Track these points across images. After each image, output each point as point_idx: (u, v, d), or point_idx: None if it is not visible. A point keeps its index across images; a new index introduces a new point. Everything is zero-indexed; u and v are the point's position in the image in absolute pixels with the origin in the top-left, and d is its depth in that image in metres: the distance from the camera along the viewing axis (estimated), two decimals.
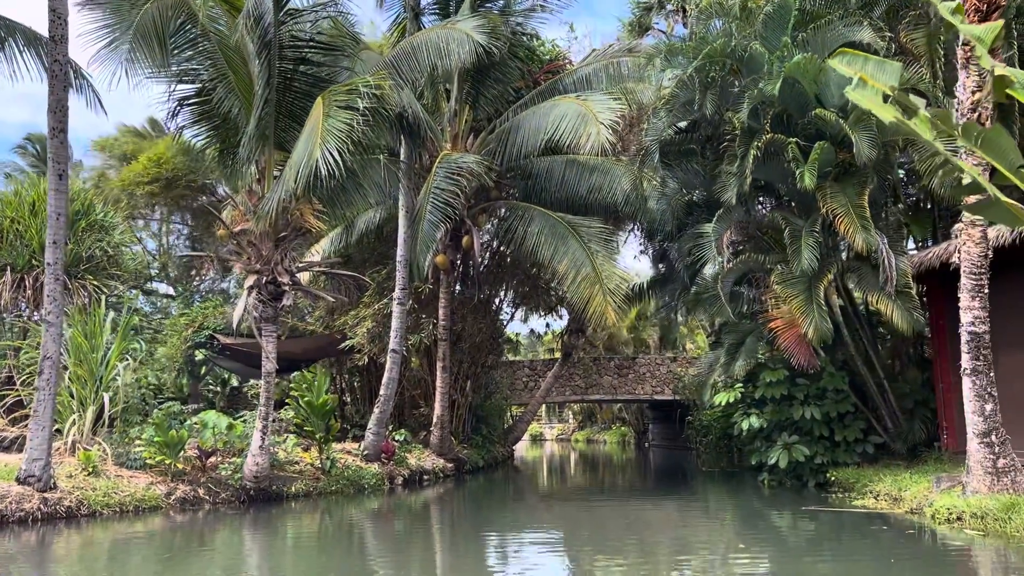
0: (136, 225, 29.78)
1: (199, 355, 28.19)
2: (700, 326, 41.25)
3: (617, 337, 38.75)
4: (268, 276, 14.67)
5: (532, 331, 39.20)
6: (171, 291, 33.31)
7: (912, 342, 17.47)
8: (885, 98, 3.39)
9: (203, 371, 31.60)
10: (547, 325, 30.46)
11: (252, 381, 27.59)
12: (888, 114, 3.21)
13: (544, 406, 43.05)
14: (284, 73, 14.55)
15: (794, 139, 13.63)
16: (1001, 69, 3.41)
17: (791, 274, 13.96)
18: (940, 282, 14.72)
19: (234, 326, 17.09)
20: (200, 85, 14.92)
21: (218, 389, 34.00)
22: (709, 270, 17.23)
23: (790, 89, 13.92)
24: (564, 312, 27.73)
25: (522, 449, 42.30)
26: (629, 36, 25.11)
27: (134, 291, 31.90)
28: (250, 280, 14.67)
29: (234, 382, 32.64)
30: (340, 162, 12.09)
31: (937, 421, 15.46)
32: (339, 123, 12.53)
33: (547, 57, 22.62)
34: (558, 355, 30.01)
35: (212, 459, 15.98)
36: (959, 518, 10.48)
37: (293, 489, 16.14)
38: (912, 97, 3.45)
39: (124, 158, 30.74)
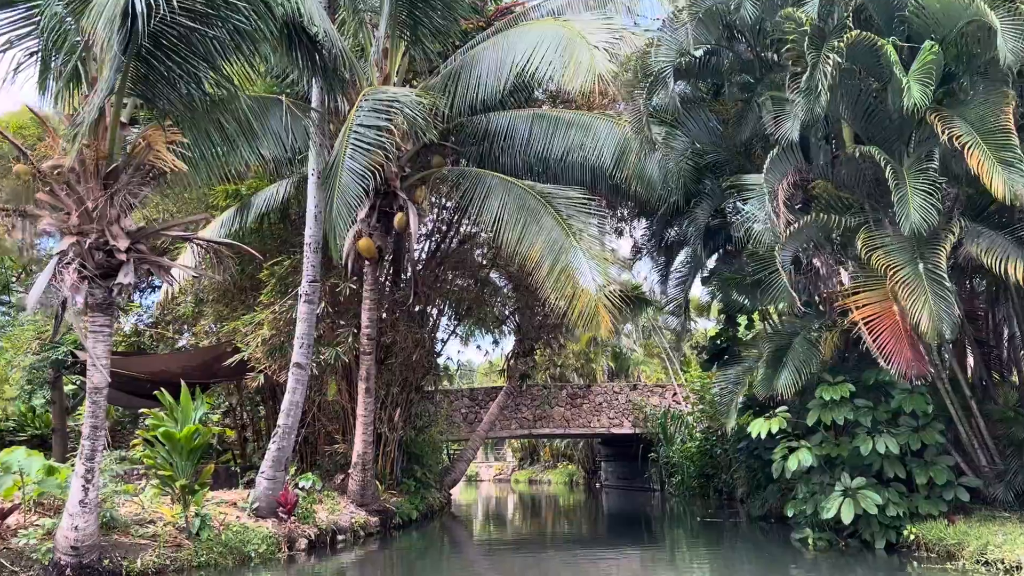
0: None
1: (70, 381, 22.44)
2: (659, 353, 37.10)
3: (577, 362, 34.30)
4: (96, 238, 9.49)
5: (479, 347, 34.53)
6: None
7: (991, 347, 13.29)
8: None
9: (73, 401, 25.66)
10: (495, 343, 25.54)
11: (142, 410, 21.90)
12: None
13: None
14: None
15: (891, 39, 9.28)
16: None
17: (891, 236, 9.46)
18: None
19: (28, 310, 11.65)
20: None
21: None
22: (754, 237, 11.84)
23: None
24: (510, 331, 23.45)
25: (457, 491, 37.15)
26: None
27: None
28: (66, 243, 9.43)
29: (113, 414, 26.68)
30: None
31: None
32: None
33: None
34: (502, 383, 25.27)
35: (12, 520, 10.67)
36: None
37: (139, 563, 10.91)
38: None
39: None
